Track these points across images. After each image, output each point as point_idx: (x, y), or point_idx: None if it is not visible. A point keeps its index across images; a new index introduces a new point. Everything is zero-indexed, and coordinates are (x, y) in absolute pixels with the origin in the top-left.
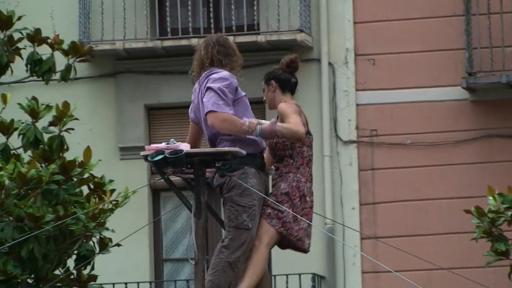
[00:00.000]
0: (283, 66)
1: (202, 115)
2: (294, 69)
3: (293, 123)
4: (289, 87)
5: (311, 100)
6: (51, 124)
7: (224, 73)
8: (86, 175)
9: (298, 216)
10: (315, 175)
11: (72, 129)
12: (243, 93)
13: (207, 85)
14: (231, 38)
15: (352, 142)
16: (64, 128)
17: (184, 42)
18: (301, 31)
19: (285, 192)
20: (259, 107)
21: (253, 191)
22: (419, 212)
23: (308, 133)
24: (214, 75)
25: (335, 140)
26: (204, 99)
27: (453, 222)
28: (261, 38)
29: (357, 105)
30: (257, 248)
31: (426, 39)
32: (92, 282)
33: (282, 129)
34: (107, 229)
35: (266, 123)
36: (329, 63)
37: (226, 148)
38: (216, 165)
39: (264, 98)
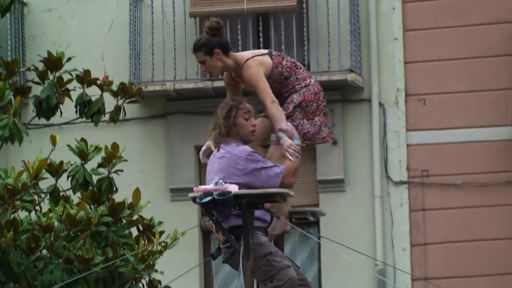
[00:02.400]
0: (211, 31)
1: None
2: (221, 33)
3: (279, 116)
4: (228, 48)
5: (362, 141)
6: (100, 165)
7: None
8: (135, 217)
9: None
10: (367, 216)
11: (121, 170)
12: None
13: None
14: None
15: (403, 182)
16: (113, 169)
17: None
18: (352, 71)
19: (298, 104)
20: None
21: (263, 240)
22: (471, 253)
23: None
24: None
25: (386, 181)
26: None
27: (505, 263)
28: None
29: (408, 145)
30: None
31: (476, 79)
32: None
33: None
34: (156, 271)
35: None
36: (380, 103)
37: (274, 190)
38: (221, 246)
39: (205, 70)
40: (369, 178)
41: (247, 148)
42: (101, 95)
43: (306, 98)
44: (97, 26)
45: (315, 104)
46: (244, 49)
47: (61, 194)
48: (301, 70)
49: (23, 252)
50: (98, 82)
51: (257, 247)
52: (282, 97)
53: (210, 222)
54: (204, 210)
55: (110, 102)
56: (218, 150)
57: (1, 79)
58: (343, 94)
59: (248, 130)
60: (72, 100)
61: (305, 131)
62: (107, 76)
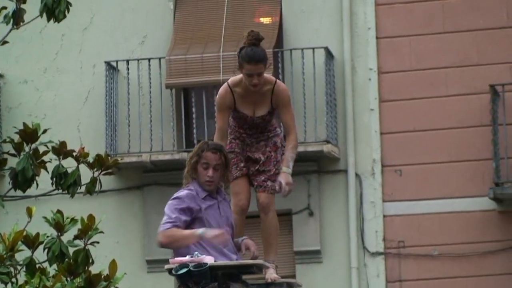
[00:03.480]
0: (257, 42)
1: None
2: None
3: (295, 137)
4: None
5: (338, 212)
6: (77, 237)
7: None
8: None
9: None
10: (342, 286)
11: (98, 242)
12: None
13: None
14: None
15: (379, 253)
16: (90, 241)
17: None
18: (328, 142)
19: (280, 146)
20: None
21: None
22: None
23: None
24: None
25: (362, 252)
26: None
27: None
28: None
29: (384, 216)
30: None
31: (453, 149)
32: None
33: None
34: None
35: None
36: (356, 174)
37: (250, 261)
38: None
39: (257, 84)
40: (345, 249)
41: (180, 193)
42: (77, 167)
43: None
44: (73, 98)
45: None
46: None
47: (37, 266)
48: None
49: None
50: (74, 154)
51: None
52: (265, 132)
53: None
54: (180, 282)
55: (86, 174)
56: None
57: None
58: (319, 165)
59: (204, 179)
60: (48, 172)
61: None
62: (83, 148)
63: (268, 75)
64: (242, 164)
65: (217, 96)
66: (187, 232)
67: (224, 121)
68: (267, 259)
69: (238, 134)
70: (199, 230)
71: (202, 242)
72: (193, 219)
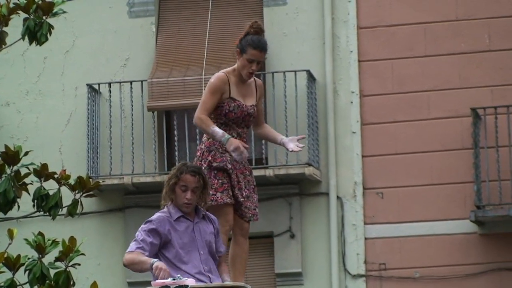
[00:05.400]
0: (258, 31)
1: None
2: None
3: None
4: None
5: (320, 234)
6: (58, 259)
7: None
8: None
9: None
10: None
11: (79, 264)
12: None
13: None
14: None
15: (360, 276)
16: (71, 263)
17: None
18: (309, 165)
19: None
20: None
21: None
22: None
23: None
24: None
25: (343, 274)
26: None
27: None
28: (269, 172)
29: (366, 239)
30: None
31: (434, 172)
32: None
33: None
34: None
35: None
36: (338, 197)
37: (231, 283)
38: None
39: (255, 70)
40: (327, 272)
41: (152, 217)
42: (59, 189)
43: None
44: (55, 120)
45: None
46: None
47: None
48: None
49: None
50: (56, 176)
51: None
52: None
53: None
54: None
55: (68, 196)
56: None
57: None
58: (301, 188)
59: (182, 201)
60: (29, 194)
61: None
62: (65, 170)
63: None
64: (231, 193)
65: (214, 79)
66: (144, 258)
67: (213, 104)
68: (242, 280)
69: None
70: (152, 260)
71: (180, 266)
72: (163, 242)
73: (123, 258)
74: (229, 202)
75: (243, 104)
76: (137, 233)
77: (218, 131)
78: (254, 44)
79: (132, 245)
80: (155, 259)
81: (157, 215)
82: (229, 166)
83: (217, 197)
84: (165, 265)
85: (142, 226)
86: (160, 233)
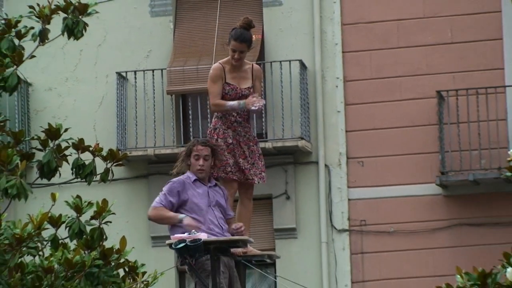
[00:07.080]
0: (248, 27)
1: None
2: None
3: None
4: None
5: (311, 196)
6: (93, 218)
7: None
8: (122, 260)
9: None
10: (315, 258)
11: (110, 222)
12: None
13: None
14: None
15: (345, 230)
16: (104, 221)
17: None
18: (302, 138)
19: (257, 142)
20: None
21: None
22: None
23: None
24: None
25: (330, 229)
26: None
27: None
28: (268, 145)
29: (349, 200)
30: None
31: (406, 144)
32: None
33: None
34: None
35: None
36: (325, 165)
37: (237, 237)
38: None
39: (239, 58)
40: (316, 227)
41: (177, 179)
42: (93, 160)
43: None
44: (90, 103)
45: None
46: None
47: (60, 242)
48: None
49: None
50: (90, 149)
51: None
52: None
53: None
54: (179, 254)
55: (100, 165)
56: None
57: (9, 147)
58: (295, 158)
59: (195, 168)
60: (69, 164)
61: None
62: (98, 144)
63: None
64: (232, 169)
65: (211, 70)
66: (171, 214)
67: (219, 88)
68: (247, 234)
69: (230, 123)
70: (180, 216)
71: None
72: (181, 200)
73: (148, 211)
74: (235, 178)
75: (237, 87)
76: (161, 191)
77: (232, 103)
78: (235, 36)
79: (157, 201)
80: (183, 215)
81: (177, 178)
82: (230, 140)
83: (227, 171)
84: (193, 220)
85: (166, 186)
86: (179, 193)
